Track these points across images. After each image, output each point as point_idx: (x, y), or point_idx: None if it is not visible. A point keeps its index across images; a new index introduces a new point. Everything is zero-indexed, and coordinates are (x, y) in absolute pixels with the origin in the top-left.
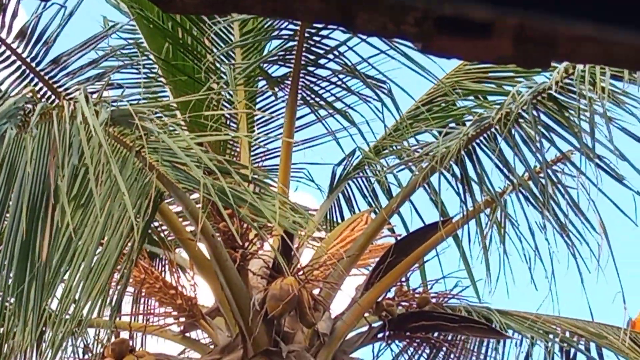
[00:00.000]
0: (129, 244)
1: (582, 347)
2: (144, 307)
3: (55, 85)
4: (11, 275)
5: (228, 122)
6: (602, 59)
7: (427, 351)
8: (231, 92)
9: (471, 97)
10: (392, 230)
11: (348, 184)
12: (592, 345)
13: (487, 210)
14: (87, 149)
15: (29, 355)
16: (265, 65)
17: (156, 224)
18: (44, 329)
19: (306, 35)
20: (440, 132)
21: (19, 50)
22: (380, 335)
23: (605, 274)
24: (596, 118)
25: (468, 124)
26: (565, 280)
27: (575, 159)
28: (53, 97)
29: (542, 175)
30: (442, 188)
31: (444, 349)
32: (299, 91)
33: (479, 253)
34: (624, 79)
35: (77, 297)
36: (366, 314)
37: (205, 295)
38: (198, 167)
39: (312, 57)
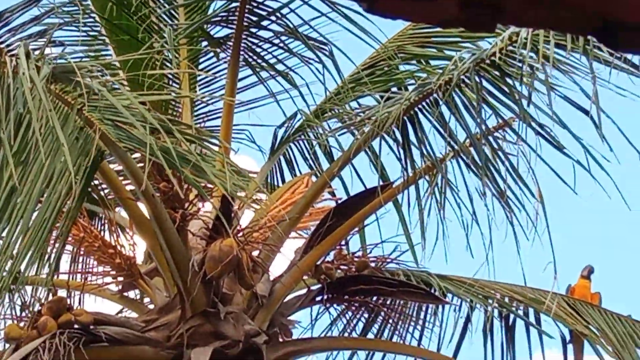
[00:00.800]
0: (68, 202)
1: (521, 312)
2: (82, 265)
3: None
4: None
5: (170, 82)
6: (548, 23)
7: (366, 315)
8: (174, 53)
9: (414, 62)
10: (332, 193)
11: (289, 146)
12: (531, 311)
13: (428, 176)
14: (31, 103)
15: None
16: (207, 26)
17: (96, 182)
18: None
19: None
20: (382, 97)
21: None
22: (318, 299)
23: (542, 241)
24: (538, 86)
25: (410, 88)
26: (504, 246)
27: (516, 127)
28: None
29: (483, 141)
30: (383, 153)
31: (383, 313)
32: (241, 52)
33: (418, 218)
34: (567, 47)
35: (14, 253)
36: (305, 277)
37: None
38: (141, 126)
39: (254, 18)
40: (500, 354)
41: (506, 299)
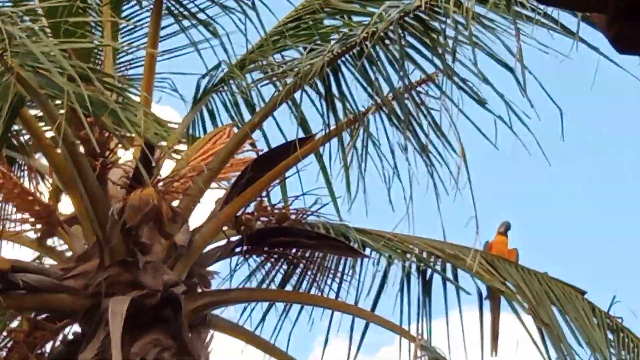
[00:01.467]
0: None
1: (439, 267)
2: (0, 212)
3: None
4: None
5: (93, 30)
6: None
7: (285, 267)
8: (96, 0)
9: (339, 17)
10: (253, 145)
11: (212, 97)
12: (449, 266)
13: (350, 129)
14: None
15: None
16: None
17: (16, 128)
18: None
19: None
20: (306, 49)
21: None
22: (238, 250)
23: (463, 196)
24: (462, 40)
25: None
26: (424, 200)
27: (439, 81)
28: None
29: (405, 95)
30: (306, 105)
31: (301, 265)
32: (164, 0)
33: (339, 171)
34: (489, 2)
35: None
36: (225, 228)
37: (64, 203)
38: (61, 73)
39: None
40: (416, 309)
41: (424, 254)
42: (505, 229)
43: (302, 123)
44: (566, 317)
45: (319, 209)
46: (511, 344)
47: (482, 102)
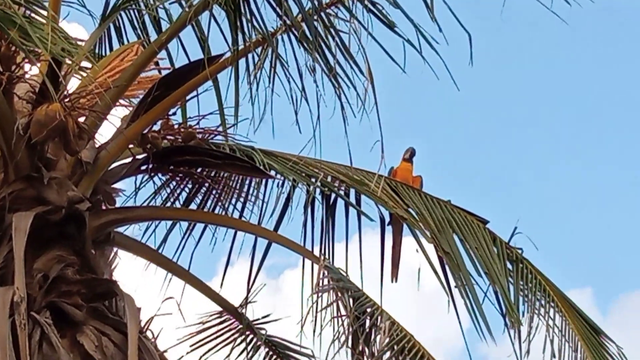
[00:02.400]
0: None
1: (343, 192)
2: None
3: None
4: None
5: None
6: None
7: (190, 186)
8: None
9: None
10: (157, 64)
11: (120, 15)
12: (352, 192)
13: (258, 50)
14: None
15: None
16: None
17: None
18: None
19: None
20: None
21: None
22: (143, 168)
23: (370, 120)
24: None
25: None
26: (331, 124)
27: (348, 4)
28: None
29: (314, 17)
30: (215, 25)
31: (206, 184)
32: None
33: (247, 92)
34: None
35: None
36: (131, 146)
37: None
38: None
39: None
40: (319, 232)
41: (329, 179)
42: (410, 155)
43: (208, 42)
44: (467, 246)
45: (226, 129)
46: (412, 271)
47: (391, 25)
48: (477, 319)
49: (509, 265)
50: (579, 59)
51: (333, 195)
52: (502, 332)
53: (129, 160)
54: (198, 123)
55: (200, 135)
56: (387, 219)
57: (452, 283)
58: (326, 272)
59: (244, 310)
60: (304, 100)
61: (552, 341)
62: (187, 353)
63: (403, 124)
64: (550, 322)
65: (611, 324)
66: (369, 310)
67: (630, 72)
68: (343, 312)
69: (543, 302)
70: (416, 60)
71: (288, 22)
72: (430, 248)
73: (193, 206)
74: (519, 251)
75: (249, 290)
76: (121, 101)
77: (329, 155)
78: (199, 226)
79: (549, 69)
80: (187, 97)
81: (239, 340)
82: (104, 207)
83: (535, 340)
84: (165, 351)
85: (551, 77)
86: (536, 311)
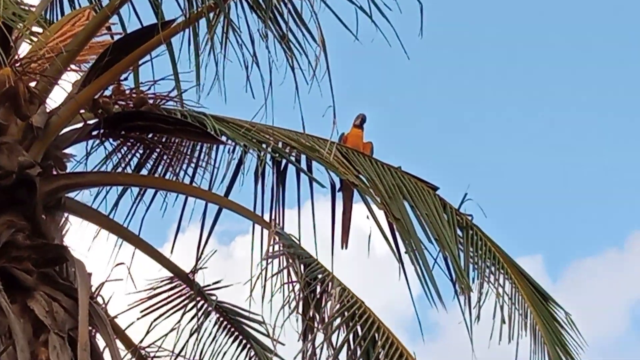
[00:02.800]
0: None
1: (294, 158)
2: None
3: None
4: None
5: None
6: None
7: (141, 151)
8: None
9: None
10: (109, 28)
11: None
12: (303, 158)
13: (210, 15)
14: None
15: None
16: None
17: None
18: None
19: None
20: None
21: None
22: (94, 133)
23: (322, 87)
24: None
25: None
26: (283, 90)
27: None
28: None
29: None
30: None
31: (158, 150)
32: None
33: (200, 57)
34: None
35: None
36: (82, 111)
37: None
38: None
39: None
40: (270, 199)
41: (280, 145)
42: (361, 121)
43: (160, 6)
44: (417, 212)
45: (181, 94)
46: (363, 237)
47: None
48: (427, 285)
49: (459, 232)
50: (527, 24)
51: (284, 162)
52: (452, 298)
53: (80, 125)
54: (150, 88)
55: (151, 101)
56: (338, 185)
57: (403, 249)
58: (277, 238)
59: (194, 276)
60: (256, 67)
61: (502, 307)
62: (138, 319)
63: (355, 91)
64: (500, 289)
65: (561, 290)
66: (319, 276)
67: (574, 29)
68: (294, 278)
69: (493, 269)
70: (369, 28)
71: None
72: (380, 214)
73: (144, 172)
74: (469, 218)
75: (199, 256)
76: (72, 66)
77: (281, 121)
78: (150, 192)
79: (498, 37)
80: (140, 63)
81: (189, 307)
82: (54, 173)
83: (485, 307)
84: (115, 317)
85: (500, 44)
86: (486, 278)
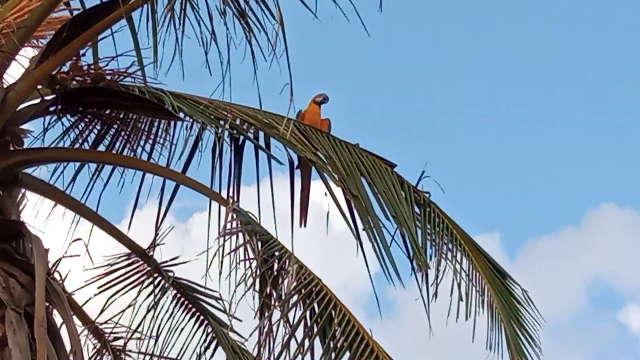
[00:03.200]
0: None
1: (252, 135)
2: None
3: None
4: None
5: None
6: None
7: (99, 127)
8: None
9: None
10: (67, 4)
11: None
12: (261, 135)
13: None
14: None
15: None
16: None
17: None
18: None
19: None
20: None
21: None
22: (52, 109)
23: (280, 65)
24: None
25: None
26: (241, 67)
27: None
28: None
29: None
30: None
31: (115, 126)
32: None
33: (158, 34)
34: None
35: None
36: (39, 87)
37: None
38: None
39: None
40: (228, 176)
41: (238, 121)
42: (322, 100)
43: None
44: (375, 189)
45: (135, 71)
46: (321, 215)
47: None
48: (385, 262)
49: (416, 209)
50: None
51: (242, 138)
52: (409, 275)
53: (37, 101)
54: (108, 65)
55: (109, 77)
56: (296, 163)
57: (361, 227)
58: (234, 215)
59: (152, 253)
60: (215, 44)
61: (459, 285)
62: (95, 295)
63: (313, 69)
64: (458, 266)
65: (518, 268)
66: (277, 253)
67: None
68: (251, 255)
69: (450, 246)
70: (329, 6)
71: None
72: (338, 192)
73: (102, 148)
74: (427, 195)
75: (157, 233)
76: (30, 42)
77: (239, 99)
78: (108, 168)
79: (460, 16)
80: (99, 38)
81: (146, 283)
82: (11, 148)
83: (443, 284)
84: (72, 293)
85: (462, 22)
86: (443, 255)
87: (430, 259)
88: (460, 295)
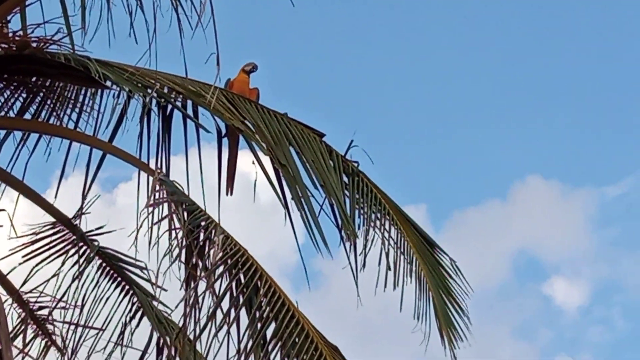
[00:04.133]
0: None
1: (180, 104)
2: None
3: None
4: None
5: None
6: None
7: (24, 95)
8: None
9: None
10: None
11: None
12: (189, 103)
13: None
14: None
15: None
16: None
17: None
18: None
19: None
20: None
21: None
22: None
23: (206, 33)
24: None
25: None
26: (168, 35)
27: None
28: None
29: None
30: None
31: (41, 94)
32: None
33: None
34: None
35: None
36: None
37: None
38: None
39: None
40: (155, 144)
41: (166, 90)
42: (251, 68)
43: None
44: (303, 158)
45: (61, 38)
46: (248, 185)
47: None
48: (313, 231)
49: (345, 179)
50: None
51: (169, 107)
52: (338, 245)
53: None
54: (33, 32)
55: (35, 44)
56: (224, 131)
57: (289, 196)
58: (161, 185)
59: (77, 222)
60: (141, 11)
61: (387, 254)
62: (20, 264)
63: (241, 38)
64: (386, 235)
65: (445, 240)
66: (203, 223)
67: None
68: (177, 225)
69: (379, 215)
70: None
71: None
72: (266, 161)
73: (27, 116)
74: (355, 164)
75: (83, 201)
76: None
77: (166, 68)
78: (34, 136)
79: None
80: (21, 5)
81: (72, 252)
82: None
83: (371, 254)
84: None
85: None
86: (372, 224)
87: (359, 228)
88: (389, 264)
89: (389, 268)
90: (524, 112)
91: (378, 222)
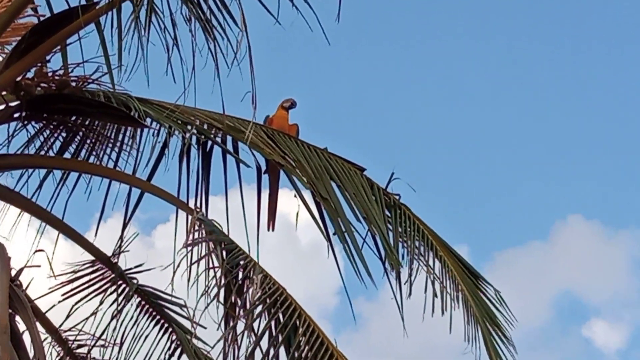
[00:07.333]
0: None
1: (219, 139)
2: None
3: None
4: None
5: None
6: None
7: (64, 134)
8: None
9: None
10: (36, 10)
11: None
12: (229, 139)
13: None
14: None
15: None
16: None
17: None
18: None
19: None
20: None
21: None
22: (17, 115)
23: (242, 70)
24: None
25: None
26: (205, 73)
27: None
28: None
29: None
30: None
31: (81, 133)
32: None
33: (127, 41)
34: None
35: None
36: (4, 93)
37: None
38: None
39: None
40: (195, 181)
41: (205, 126)
42: (290, 105)
43: None
44: (345, 192)
45: (100, 77)
46: (288, 226)
47: None
48: (357, 263)
49: (387, 212)
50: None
51: (209, 144)
52: (381, 276)
53: (1, 107)
54: (73, 71)
55: (74, 83)
56: (264, 167)
57: (331, 230)
58: (200, 224)
59: (116, 260)
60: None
61: (433, 282)
62: (59, 302)
63: (279, 76)
64: (430, 264)
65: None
66: (242, 262)
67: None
68: (216, 264)
69: (422, 248)
70: (291, 11)
71: None
72: (308, 196)
73: (67, 155)
74: (397, 197)
75: (121, 239)
76: None
77: (203, 106)
78: (74, 176)
79: (417, 20)
80: (61, 45)
81: (110, 290)
82: None
83: (414, 285)
84: (36, 300)
85: (420, 23)
86: (415, 256)
87: (402, 258)
88: (435, 292)
89: (435, 295)
90: (564, 153)
91: (422, 252)
